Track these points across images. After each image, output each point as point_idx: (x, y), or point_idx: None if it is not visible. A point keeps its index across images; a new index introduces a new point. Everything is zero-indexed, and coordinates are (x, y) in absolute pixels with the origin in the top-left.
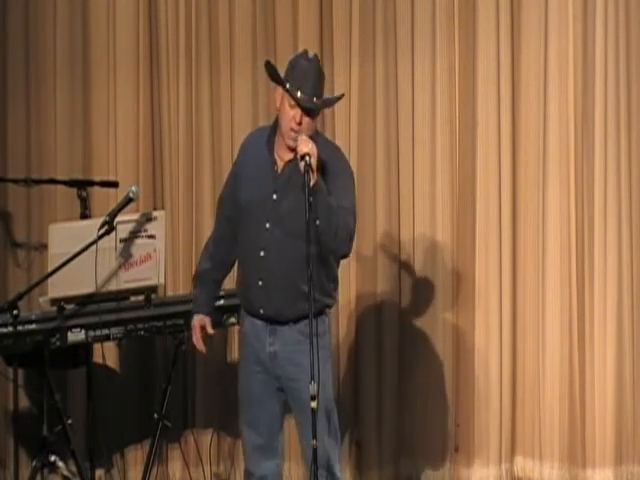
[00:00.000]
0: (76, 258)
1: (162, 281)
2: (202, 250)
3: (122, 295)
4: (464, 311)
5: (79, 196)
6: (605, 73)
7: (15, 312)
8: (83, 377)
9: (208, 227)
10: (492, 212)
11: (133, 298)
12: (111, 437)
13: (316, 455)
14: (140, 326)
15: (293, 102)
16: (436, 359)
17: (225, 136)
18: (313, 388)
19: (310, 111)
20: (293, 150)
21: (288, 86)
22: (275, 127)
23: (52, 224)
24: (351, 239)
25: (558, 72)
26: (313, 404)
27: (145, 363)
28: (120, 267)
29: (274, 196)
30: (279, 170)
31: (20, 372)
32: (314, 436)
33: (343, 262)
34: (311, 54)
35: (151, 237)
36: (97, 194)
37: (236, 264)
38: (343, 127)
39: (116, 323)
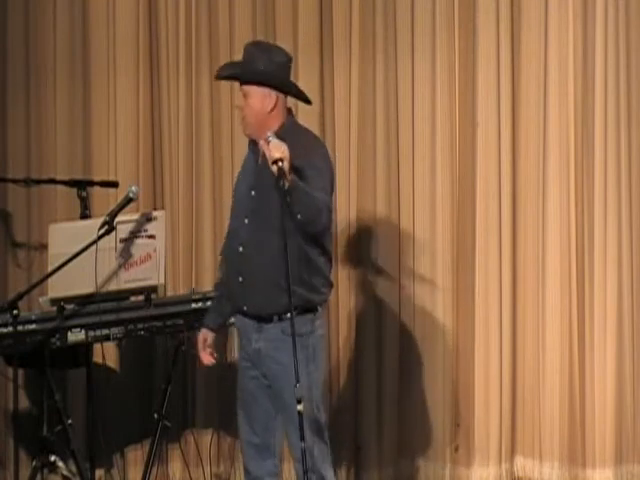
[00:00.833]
0: (76, 258)
1: (162, 281)
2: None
3: (122, 295)
4: (464, 311)
5: (79, 196)
6: (605, 73)
7: (15, 312)
8: (83, 377)
9: (208, 227)
10: (492, 212)
11: (133, 298)
12: (111, 437)
13: (304, 457)
14: (140, 326)
15: None
16: (436, 359)
17: (225, 136)
18: (299, 391)
19: (224, 79)
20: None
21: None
22: None
23: (52, 224)
24: (330, 212)
25: (558, 72)
26: (299, 407)
27: (145, 363)
28: (120, 267)
29: (252, 192)
30: (259, 162)
31: (20, 372)
32: (301, 438)
33: (343, 262)
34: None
35: (151, 237)
36: (97, 194)
37: None
38: (343, 127)
39: (116, 323)
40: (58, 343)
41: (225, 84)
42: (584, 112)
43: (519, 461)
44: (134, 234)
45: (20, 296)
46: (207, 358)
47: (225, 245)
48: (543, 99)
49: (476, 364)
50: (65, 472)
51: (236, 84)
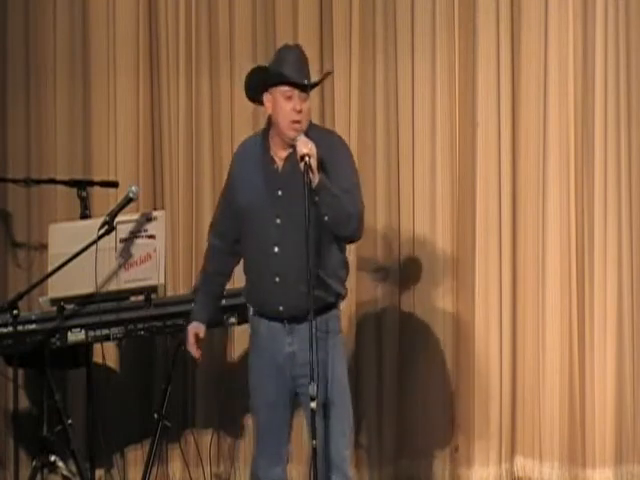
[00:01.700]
0: (76, 258)
1: (162, 281)
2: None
3: (122, 295)
4: (464, 310)
5: (79, 196)
6: (605, 73)
7: (15, 312)
8: (83, 377)
9: (208, 227)
10: (492, 212)
11: (133, 298)
12: (111, 437)
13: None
14: (140, 326)
15: (287, 91)
16: (436, 359)
17: (225, 136)
18: (313, 389)
19: (304, 88)
20: (292, 146)
21: (276, 74)
22: (266, 131)
23: (52, 224)
24: (362, 221)
25: (558, 72)
26: (313, 404)
27: (145, 363)
28: (120, 267)
29: (279, 192)
30: (279, 168)
31: (20, 372)
32: (313, 437)
33: None
34: (292, 44)
35: (151, 237)
36: (97, 194)
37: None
38: (343, 127)
39: (116, 323)
40: (58, 343)
41: (225, 84)
42: (584, 112)
43: (519, 461)
44: (134, 234)
45: (20, 296)
46: (198, 352)
47: (252, 245)
48: (543, 99)
49: (476, 364)
50: (65, 472)
51: (236, 84)
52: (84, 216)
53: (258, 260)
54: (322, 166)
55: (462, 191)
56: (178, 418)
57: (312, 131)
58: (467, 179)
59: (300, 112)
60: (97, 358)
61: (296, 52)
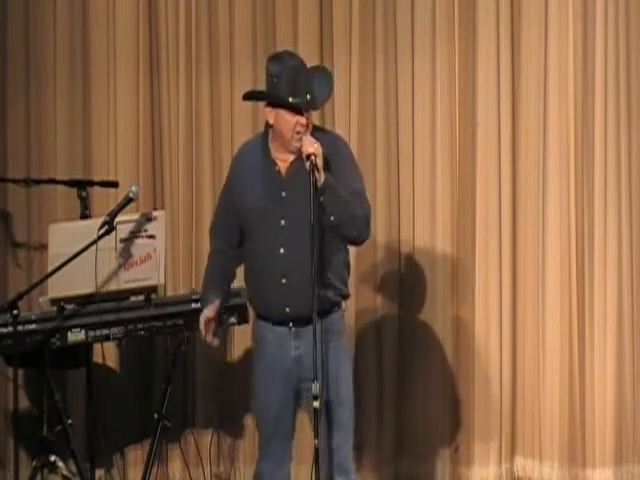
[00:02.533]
0: (76, 258)
1: (162, 281)
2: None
3: (122, 295)
4: (464, 310)
5: (79, 196)
6: (605, 73)
7: (15, 312)
8: (83, 377)
9: (208, 227)
10: (492, 212)
11: (133, 298)
12: (111, 437)
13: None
14: (140, 326)
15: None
16: (436, 360)
17: (225, 136)
18: (316, 388)
19: (314, 110)
20: (296, 152)
21: (287, 100)
22: (265, 134)
23: (52, 224)
24: (368, 224)
25: (558, 72)
26: (316, 404)
27: (145, 363)
28: (120, 267)
29: (282, 193)
30: (282, 170)
31: (20, 372)
32: (316, 436)
33: None
34: (282, 55)
35: (151, 237)
36: (97, 194)
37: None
38: (343, 127)
39: (116, 323)
40: (58, 343)
41: (225, 84)
42: (584, 112)
43: (519, 461)
44: (134, 234)
45: (20, 296)
46: (210, 337)
47: (256, 248)
48: (543, 99)
49: (476, 364)
50: (65, 472)
51: (236, 83)
52: (84, 216)
53: (263, 262)
54: (327, 164)
55: (462, 191)
56: (178, 418)
57: (314, 132)
58: (467, 179)
59: (307, 126)
60: (97, 358)
61: (289, 66)
